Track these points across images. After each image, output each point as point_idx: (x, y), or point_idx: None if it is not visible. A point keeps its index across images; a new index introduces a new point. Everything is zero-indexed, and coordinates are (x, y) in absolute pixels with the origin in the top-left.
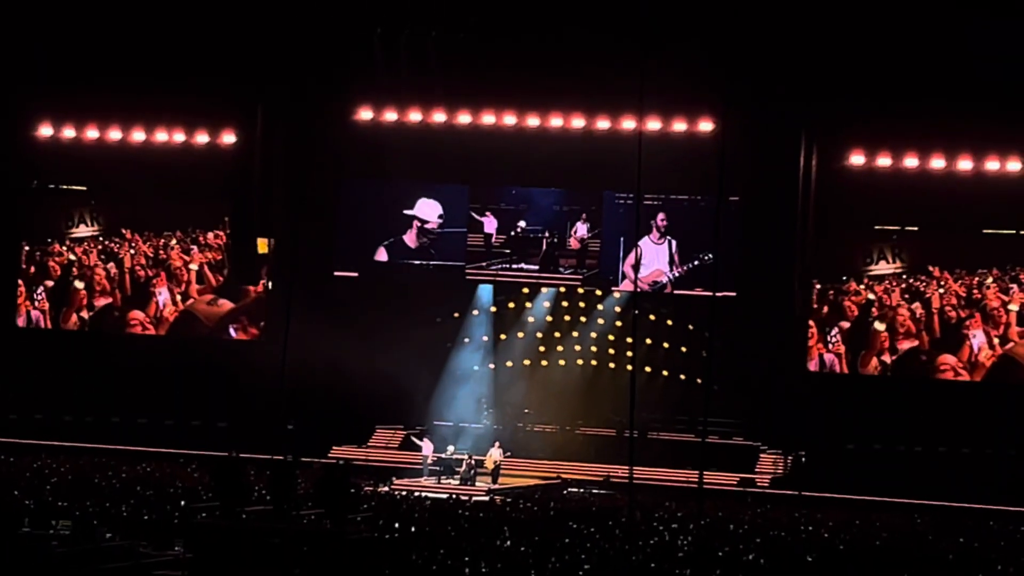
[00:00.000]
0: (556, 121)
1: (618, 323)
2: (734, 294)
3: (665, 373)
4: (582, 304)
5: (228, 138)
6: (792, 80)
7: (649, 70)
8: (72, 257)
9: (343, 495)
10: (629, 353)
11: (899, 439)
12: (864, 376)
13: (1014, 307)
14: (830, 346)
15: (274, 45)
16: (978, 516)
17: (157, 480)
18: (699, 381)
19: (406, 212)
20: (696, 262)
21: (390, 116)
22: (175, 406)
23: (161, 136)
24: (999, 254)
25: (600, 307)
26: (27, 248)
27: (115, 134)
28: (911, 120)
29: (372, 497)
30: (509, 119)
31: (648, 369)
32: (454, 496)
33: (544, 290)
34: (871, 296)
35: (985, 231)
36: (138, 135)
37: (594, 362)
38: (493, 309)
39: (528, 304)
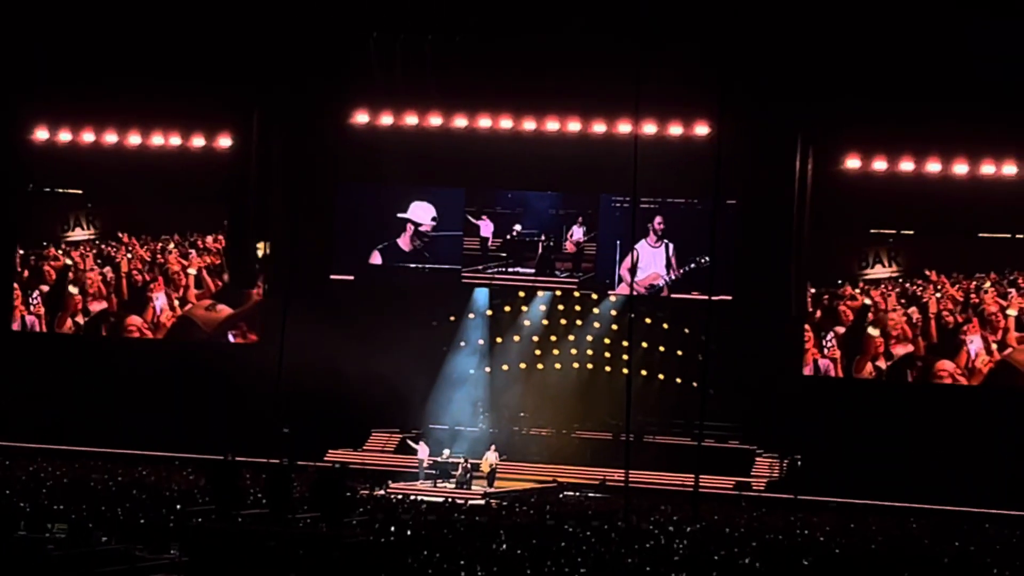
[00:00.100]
0: (552, 125)
1: (614, 326)
2: (730, 298)
3: (661, 377)
4: (578, 307)
5: (224, 141)
6: (788, 84)
7: (645, 74)
8: (68, 261)
9: (339, 498)
10: (625, 356)
11: (895, 443)
12: (861, 380)
13: (1012, 312)
14: (826, 351)
15: (271, 49)
16: (974, 520)
17: (153, 483)
18: (695, 385)
19: (399, 215)
20: (693, 265)
21: (386, 120)
22: (171, 409)
23: (157, 139)
24: (995, 258)
25: (596, 310)
26: (21, 252)
27: (111, 137)
28: (907, 124)
29: (368, 500)
30: (505, 123)
31: (644, 373)
32: (450, 500)
33: (540, 294)
34: (867, 301)
35: (981, 235)
36: (134, 138)
37: (590, 365)
38: (489, 313)
39: (524, 308)
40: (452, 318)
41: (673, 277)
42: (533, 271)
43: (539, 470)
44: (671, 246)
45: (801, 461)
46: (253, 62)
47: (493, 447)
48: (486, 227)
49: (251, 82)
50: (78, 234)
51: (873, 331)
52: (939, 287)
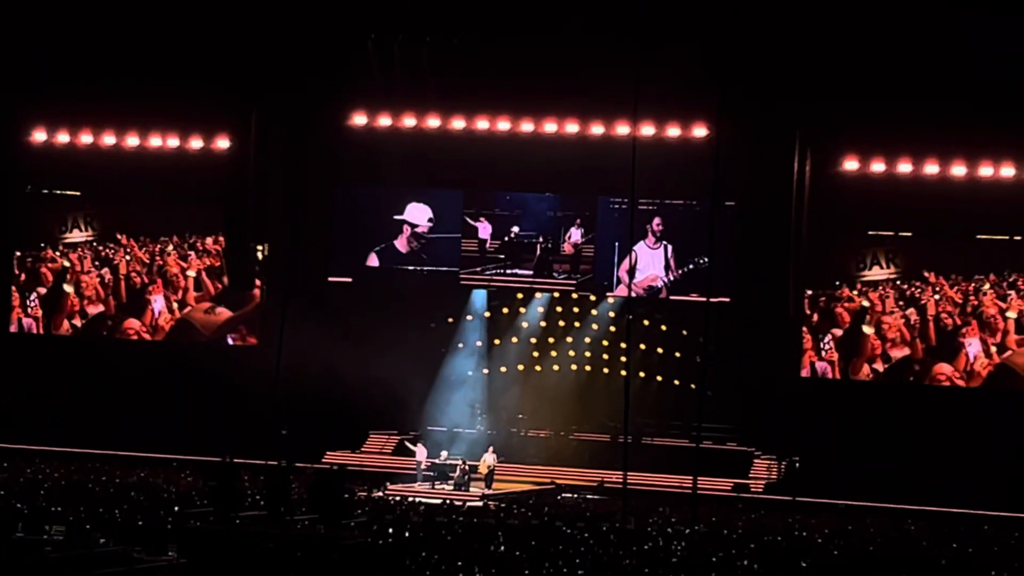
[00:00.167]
0: (550, 126)
1: (612, 328)
2: (728, 299)
3: (659, 378)
4: (576, 309)
5: (223, 143)
6: (786, 85)
7: (644, 75)
8: (66, 263)
9: (337, 500)
10: (623, 358)
11: (893, 444)
12: (859, 382)
13: (1012, 314)
14: (823, 354)
15: (269, 50)
16: (972, 521)
17: (151, 485)
18: (693, 386)
19: (396, 216)
20: (692, 265)
21: (384, 121)
22: (169, 411)
23: (156, 141)
24: (993, 260)
25: (594, 312)
26: (18, 254)
27: (109, 139)
28: (905, 125)
29: (366, 502)
30: (503, 124)
31: (642, 374)
32: (448, 502)
33: (538, 295)
34: (865, 303)
35: (979, 236)
36: (132, 140)
37: (588, 367)
38: (487, 314)
39: (522, 309)
40: (450, 320)
41: (672, 278)
42: (531, 273)
43: (537, 472)
44: (670, 248)
45: (799, 463)
46: (251, 64)
47: (491, 449)
48: (484, 229)
49: (249, 84)
50: (76, 236)
51: (867, 329)
52: (938, 289)
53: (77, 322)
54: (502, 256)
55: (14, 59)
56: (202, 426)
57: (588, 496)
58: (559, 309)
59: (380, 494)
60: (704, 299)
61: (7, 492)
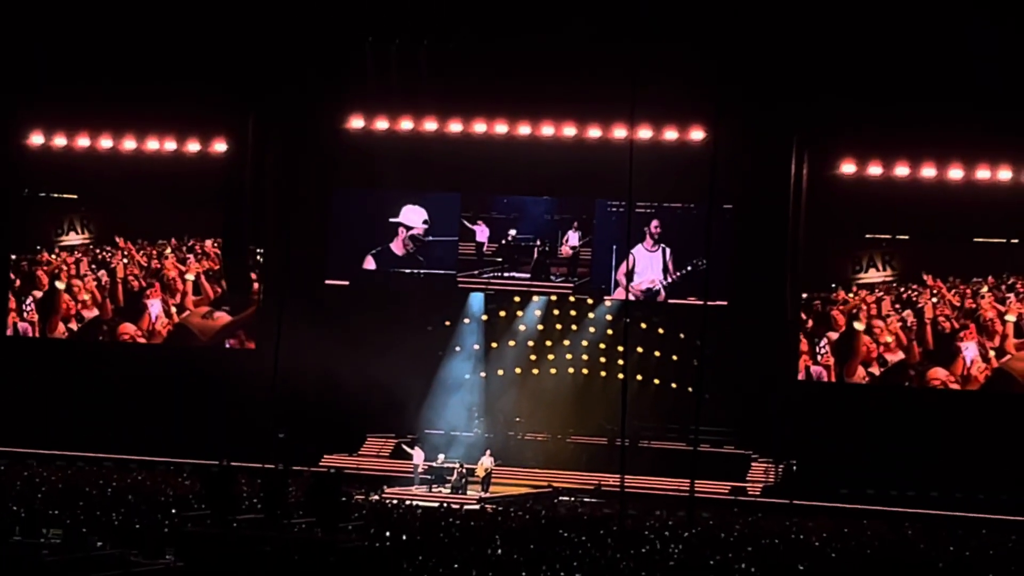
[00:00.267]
0: (547, 130)
1: (609, 331)
2: (725, 303)
3: (656, 381)
4: (573, 312)
5: (219, 146)
6: (783, 88)
7: (641, 78)
8: (62, 266)
9: (334, 503)
10: (620, 361)
11: (891, 447)
12: (857, 385)
13: (1011, 318)
14: (819, 357)
15: (266, 54)
16: (969, 525)
17: (148, 489)
18: (690, 389)
19: (391, 219)
20: (689, 268)
21: (381, 125)
22: (166, 414)
23: (153, 144)
24: (990, 263)
25: (591, 315)
26: (14, 257)
27: (106, 142)
28: (902, 128)
29: (363, 506)
30: (500, 128)
31: (639, 377)
32: (445, 505)
33: (535, 298)
34: (860, 305)
35: (976, 239)
36: (129, 143)
37: (585, 370)
38: (484, 317)
39: (519, 312)
40: (447, 323)
41: (669, 281)
42: (529, 276)
43: (534, 475)
44: (667, 251)
45: (796, 466)
46: (248, 67)
47: (488, 452)
48: (481, 232)
49: (246, 87)
50: (72, 238)
51: (858, 325)
52: (935, 292)
53: (73, 326)
54: (499, 259)
55: (11, 62)
56: (200, 429)
57: (585, 499)
58: (556, 312)
59: (377, 497)
60: (702, 302)
61: (4, 495)
